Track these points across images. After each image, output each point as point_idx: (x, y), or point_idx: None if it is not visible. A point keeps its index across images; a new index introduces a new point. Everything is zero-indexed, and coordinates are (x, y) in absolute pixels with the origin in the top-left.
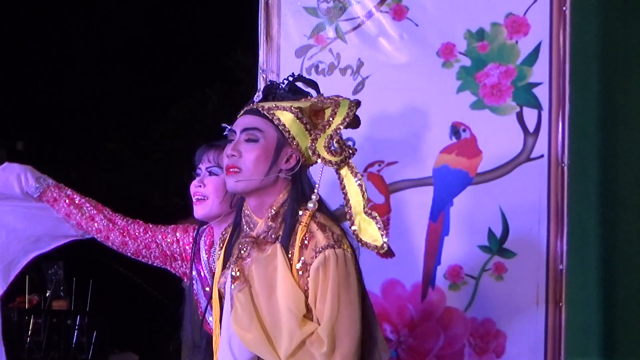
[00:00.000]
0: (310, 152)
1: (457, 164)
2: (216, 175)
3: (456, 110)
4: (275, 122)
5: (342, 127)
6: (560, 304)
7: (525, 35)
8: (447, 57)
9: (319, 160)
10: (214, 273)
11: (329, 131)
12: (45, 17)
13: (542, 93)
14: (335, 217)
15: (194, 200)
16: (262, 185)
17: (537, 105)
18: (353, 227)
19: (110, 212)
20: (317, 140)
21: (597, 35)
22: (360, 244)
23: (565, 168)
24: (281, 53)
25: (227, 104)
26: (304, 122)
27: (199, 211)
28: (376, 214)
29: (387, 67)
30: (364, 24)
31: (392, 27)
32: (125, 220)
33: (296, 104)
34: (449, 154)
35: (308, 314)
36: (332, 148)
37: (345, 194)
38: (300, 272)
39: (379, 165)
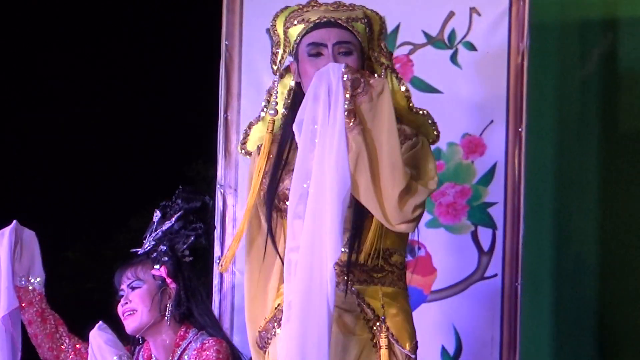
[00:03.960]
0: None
1: (413, 282)
2: (138, 287)
3: None
4: (355, 33)
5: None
6: None
7: (481, 156)
8: None
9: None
10: None
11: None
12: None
13: (497, 212)
14: None
15: (123, 318)
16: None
17: (492, 224)
18: None
19: (67, 332)
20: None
21: (552, 155)
22: None
23: (519, 287)
24: (239, 169)
25: None
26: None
27: (130, 325)
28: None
29: None
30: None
31: None
32: (75, 339)
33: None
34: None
35: None
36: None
37: None
38: None
39: None
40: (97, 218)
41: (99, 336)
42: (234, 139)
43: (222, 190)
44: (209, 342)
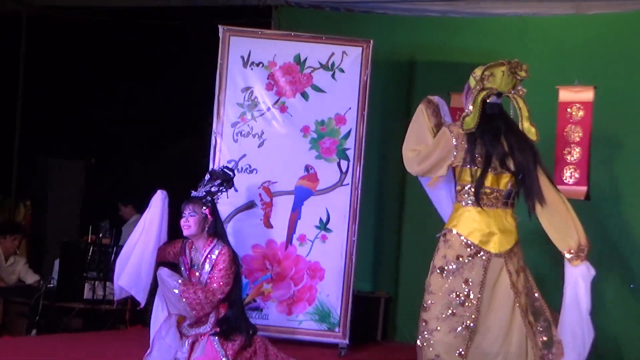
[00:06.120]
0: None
1: (307, 185)
2: (193, 216)
3: (307, 159)
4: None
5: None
6: (352, 256)
7: (344, 124)
8: (305, 132)
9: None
10: (192, 263)
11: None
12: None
13: (350, 153)
14: None
15: (183, 228)
16: None
17: (347, 159)
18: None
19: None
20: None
21: (379, 127)
22: None
23: (359, 191)
24: (224, 124)
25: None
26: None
27: (185, 232)
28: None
29: (276, 135)
30: (265, 113)
31: (280, 116)
32: (172, 243)
33: None
34: (303, 180)
35: None
36: None
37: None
38: None
39: (268, 182)
40: (126, 155)
41: (162, 272)
42: (222, 111)
43: (215, 136)
44: (224, 249)
